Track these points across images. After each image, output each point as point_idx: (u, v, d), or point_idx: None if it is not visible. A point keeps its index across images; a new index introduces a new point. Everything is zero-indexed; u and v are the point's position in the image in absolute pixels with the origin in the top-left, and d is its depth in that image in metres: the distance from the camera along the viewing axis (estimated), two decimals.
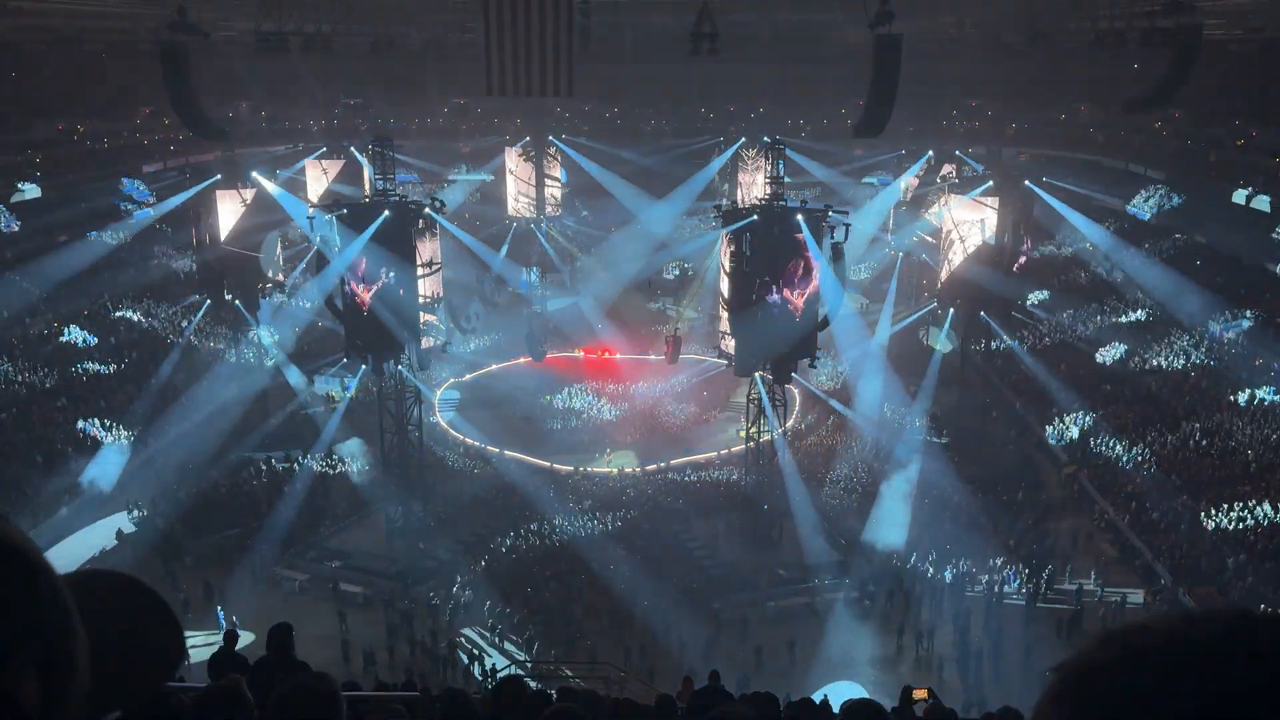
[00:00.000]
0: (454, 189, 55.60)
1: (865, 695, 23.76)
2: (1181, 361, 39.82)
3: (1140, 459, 34.46)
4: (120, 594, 1.26)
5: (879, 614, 29.67)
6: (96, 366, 40.83)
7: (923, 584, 30.47)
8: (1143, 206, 50.01)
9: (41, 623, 0.90)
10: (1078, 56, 44.32)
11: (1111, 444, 35.77)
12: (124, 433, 36.63)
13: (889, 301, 47.19)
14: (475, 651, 27.71)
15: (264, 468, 37.18)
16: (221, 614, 27.27)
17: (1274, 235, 41.65)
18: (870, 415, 40.57)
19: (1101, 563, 31.62)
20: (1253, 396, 35.65)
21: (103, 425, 36.51)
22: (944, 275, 40.79)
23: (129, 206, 50.11)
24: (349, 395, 41.36)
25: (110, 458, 35.85)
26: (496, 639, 28.23)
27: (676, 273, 58.56)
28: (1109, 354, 41.94)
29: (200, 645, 20.55)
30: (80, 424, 36.32)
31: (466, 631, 28.78)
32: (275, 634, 6.07)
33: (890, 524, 33.29)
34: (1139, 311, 44.35)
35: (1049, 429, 38.50)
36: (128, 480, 35.66)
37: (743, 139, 52.82)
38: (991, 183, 38.63)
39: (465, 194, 56.99)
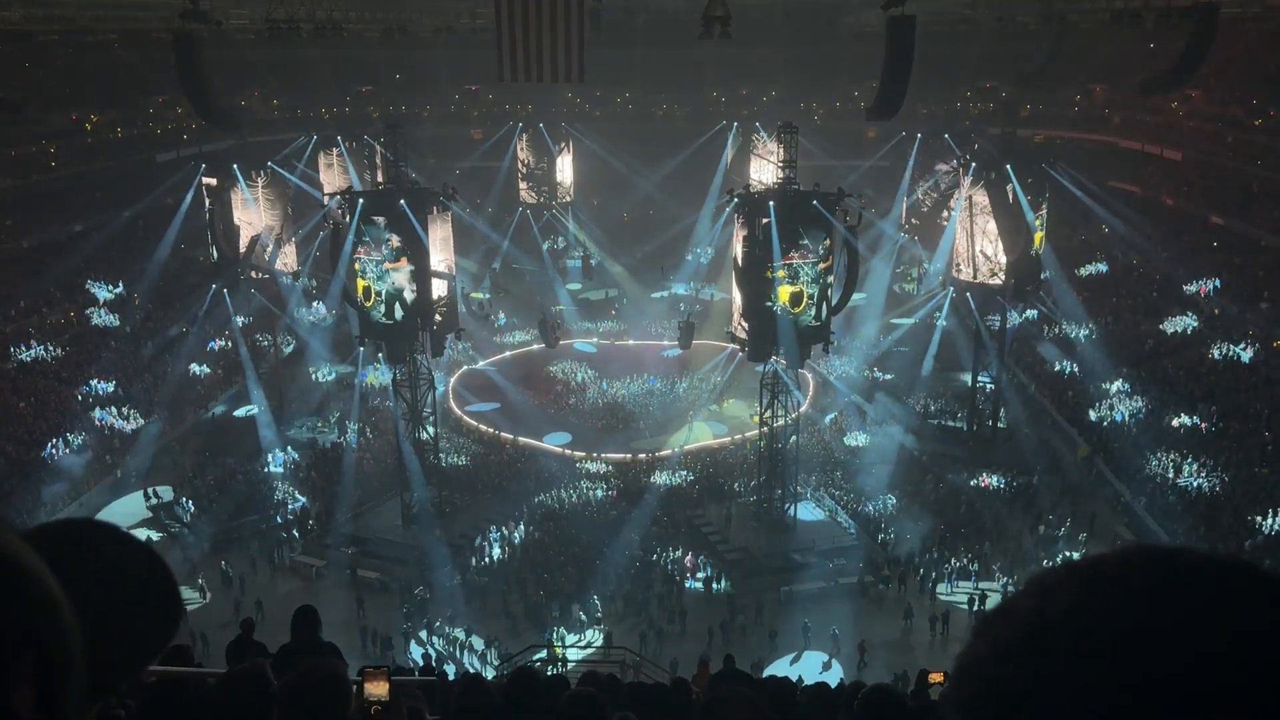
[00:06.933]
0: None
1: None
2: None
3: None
4: (105, 546, 1.14)
5: (893, 598, 29.66)
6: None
7: (937, 568, 30.45)
8: None
9: (33, 631, 0.88)
10: (1093, 36, 43.77)
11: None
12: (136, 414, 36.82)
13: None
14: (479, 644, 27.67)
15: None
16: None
17: None
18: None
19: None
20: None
21: (120, 414, 36.72)
22: (953, 257, 40.33)
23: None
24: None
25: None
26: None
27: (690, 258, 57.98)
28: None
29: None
30: (98, 414, 36.57)
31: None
32: (299, 617, 6.11)
33: (905, 508, 33.29)
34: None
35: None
36: (145, 466, 35.99)
37: (756, 123, 52.50)
38: (1009, 165, 38.21)
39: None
